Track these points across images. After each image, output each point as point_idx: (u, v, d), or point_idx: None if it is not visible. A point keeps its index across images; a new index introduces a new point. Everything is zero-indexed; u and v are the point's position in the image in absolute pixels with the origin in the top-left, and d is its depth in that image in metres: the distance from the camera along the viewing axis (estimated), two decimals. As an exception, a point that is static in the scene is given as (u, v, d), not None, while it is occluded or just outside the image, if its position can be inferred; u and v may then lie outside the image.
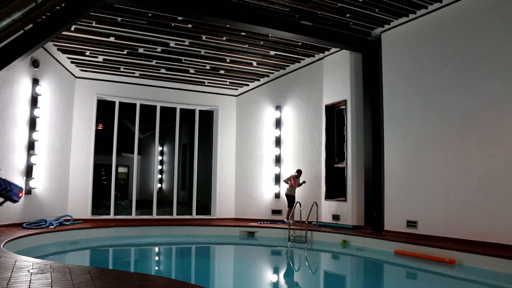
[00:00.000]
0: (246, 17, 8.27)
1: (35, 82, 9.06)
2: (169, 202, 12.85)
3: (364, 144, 9.67)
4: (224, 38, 9.35)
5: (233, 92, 12.65)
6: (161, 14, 8.12)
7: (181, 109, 12.23)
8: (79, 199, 10.67)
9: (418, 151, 8.41)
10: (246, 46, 9.80)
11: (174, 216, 11.87)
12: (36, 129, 9.06)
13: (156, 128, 12.39)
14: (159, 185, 19.15)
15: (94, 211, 11.16)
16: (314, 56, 10.84)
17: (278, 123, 11.94)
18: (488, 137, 7.20)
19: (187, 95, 12.19)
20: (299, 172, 10.87)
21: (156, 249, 9.59)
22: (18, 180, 8.62)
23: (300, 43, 9.87)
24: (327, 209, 10.39)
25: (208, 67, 10.97)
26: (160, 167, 19.90)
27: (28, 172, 8.89)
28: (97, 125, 11.68)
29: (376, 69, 9.53)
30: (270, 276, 6.92)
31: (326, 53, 10.61)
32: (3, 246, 6.04)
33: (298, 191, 10.97)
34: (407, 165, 8.59)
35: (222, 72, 11.29)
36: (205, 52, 10.06)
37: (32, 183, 8.94)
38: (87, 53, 9.82)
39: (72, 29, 8.49)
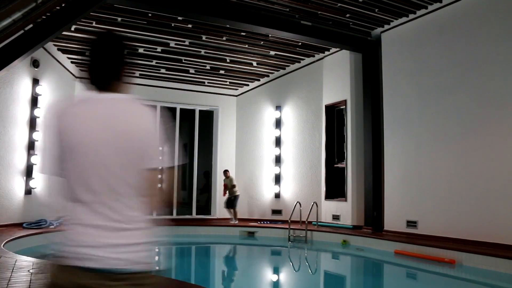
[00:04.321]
0: (246, 17, 8.26)
1: (35, 82, 9.06)
2: (168, 202, 12.82)
3: (364, 144, 9.66)
4: (224, 38, 9.34)
5: (233, 92, 12.65)
6: (161, 14, 8.12)
7: (181, 109, 12.21)
8: (79, 199, 10.65)
9: (418, 151, 8.40)
10: (246, 46, 9.80)
11: (174, 216, 11.86)
12: (36, 129, 9.05)
13: (156, 128, 12.36)
14: (159, 185, 19.08)
15: (94, 211, 11.14)
16: (314, 56, 10.83)
17: (278, 123, 11.93)
18: (489, 137, 7.19)
19: (187, 95, 12.18)
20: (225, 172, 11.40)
21: (156, 249, 9.60)
22: (18, 180, 8.62)
23: (300, 43, 9.86)
24: (327, 209, 10.39)
25: (208, 67, 10.97)
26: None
27: (28, 172, 8.88)
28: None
29: (376, 69, 9.52)
30: (270, 276, 6.93)
31: (326, 53, 10.61)
32: (3, 246, 6.05)
33: (298, 191, 10.98)
34: (407, 165, 8.58)
35: (222, 72, 11.28)
36: (205, 52, 10.06)
37: (32, 183, 8.93)
38: (87, 53, 9.80)
39: (72, 29, 8.49)
